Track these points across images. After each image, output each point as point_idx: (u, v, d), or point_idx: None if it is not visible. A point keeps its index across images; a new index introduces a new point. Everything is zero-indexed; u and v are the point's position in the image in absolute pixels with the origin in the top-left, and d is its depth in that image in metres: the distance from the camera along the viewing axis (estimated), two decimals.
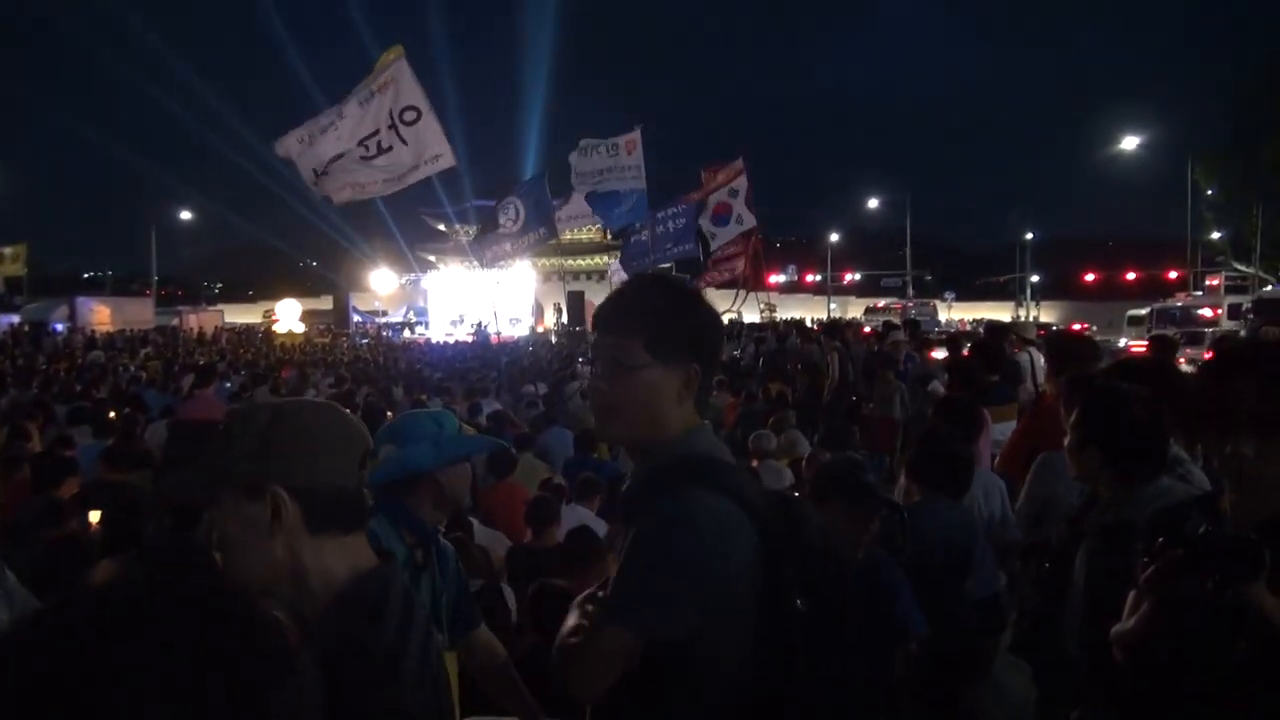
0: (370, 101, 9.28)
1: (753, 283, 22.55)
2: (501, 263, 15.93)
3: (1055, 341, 4.12)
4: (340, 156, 9.13)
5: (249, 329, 40.81)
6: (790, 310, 52.56)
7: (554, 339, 32.90)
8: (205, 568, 4.33)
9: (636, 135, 15.71)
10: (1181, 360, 12.24)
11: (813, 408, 9.18)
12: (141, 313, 41.73)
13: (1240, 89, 32.51)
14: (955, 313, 54.51)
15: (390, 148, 9.38)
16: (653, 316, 1.53)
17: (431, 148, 9.51)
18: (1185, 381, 2.17)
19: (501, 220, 13.67)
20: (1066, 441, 2.32)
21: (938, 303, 53.76)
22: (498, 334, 28.38)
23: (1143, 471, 2.17)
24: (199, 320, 40.55)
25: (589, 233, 60.00)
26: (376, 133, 9.28)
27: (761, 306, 36.27)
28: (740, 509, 1.42)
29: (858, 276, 61.47)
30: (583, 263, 56.61)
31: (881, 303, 51.55)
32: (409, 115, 9.40)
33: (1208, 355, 7.76)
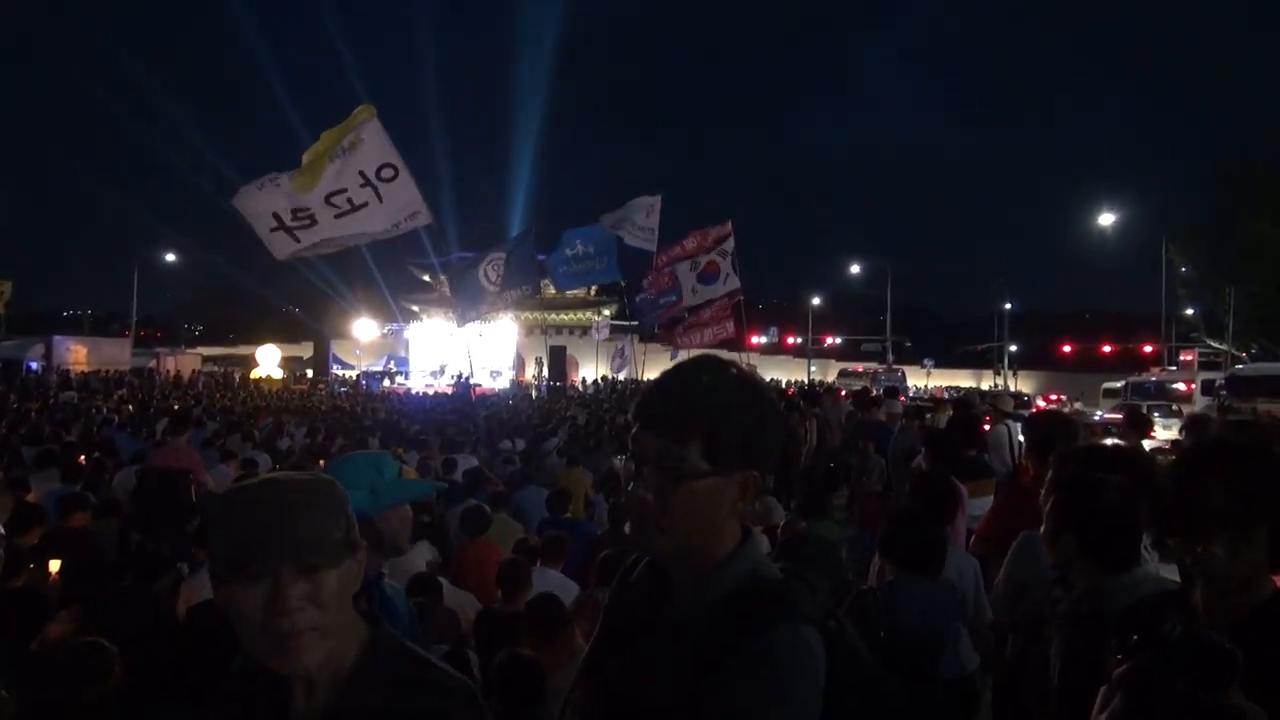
0: (337, 160, 9.30)
1: (735, 342, 22.77)
2: (479, 320, 16.06)
3: (1036, 423, 4.13)
4: (308, 213, 9.10)
5: (227, 371, 40.52)
6: (771, 372, 52.85)
7: (534, 393, 32.81)
8: (167, 623, 4.21)
9: (658, 201, 16.32)
10: (1153, 433, 12.34)
11: (788, 475, 9.08)
12: (119, 353, 41.39)
13: (1215, 169, 33.36)
14: (934, 379, 54.89)
15: (365, 204, 9.39)
16: (712, 415, 1.30)
17: (409, 205, 9.57)
18: (1158, 473, 2.18)
19: (486, 275, 13.72)
20: (1043, 528, 2.32)
21: (907, 369, 54.18)
22: (477, 386, 28.30)
23: (1118, 561, 2.17)
24: (176, 363, 40.24)
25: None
26: (344, 191, 9.29)
27: (743, 366, 36.47)
28: (820, 637, 1.27)
29: (838, 340, 62.04)
30: (566, 317, 56.76)
31: (860, 367, 51.93)
32: (386, 173, 9.45)
33: (1177, 436, 7.81)
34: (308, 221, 9.16)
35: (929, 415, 10.46)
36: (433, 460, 9.35)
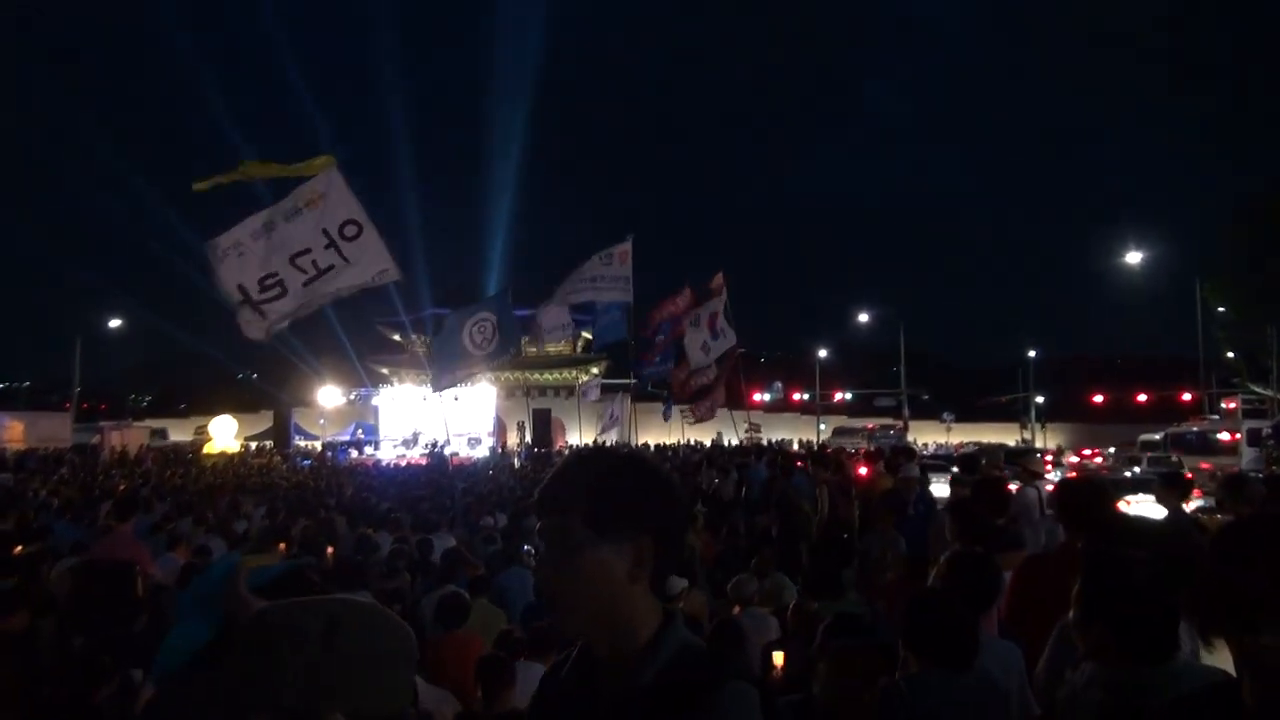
0: (298, 217, 9.33)
1: (734, 401, 22.92)
2: (455, 384, 16.17)
3: (1066, 491, 4.11)
4: (277, 279, 9.12)
5: (177, 449, 40.26)
6: (776, 431, 52.72)
7: (517, 462, 32.69)
8: None
9: (628, 246, 16.40)
10: (1199, 493, 12.36)
11: (794, 550, 8.97)
12: (59, 429, 41.20)
13: (1252, 203, 33.59)
14: (955, 435, 54.83)
15: (331, 267, 9.42)
16: (589, 486, 1.52)
17: (376, 263, 9.62)
18: (1198, 548, 2.18)
19: (471, 338, 13.81)
20: (1071, 615, 2.30)
21: (925, 424, 54.16)
22: (454, 456, 28.20)
23: (1154, 651, 2.15)
24: (122, 438, 40.01)
25: (555, 345, 60.59)
26: (309, 251, 9.32)
27: (745, 427, 36.44)
28: (759, 696, 1.43)
29: (849, 395, 61.97)
30: (550, 377, 56.73)
31: (872, 424, 51.81)
32: (349, 230, 9.48)
33: (1218, 517, 7.76)
34: (276, 291, 9.15)
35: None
36: (407, 541, 9.27)
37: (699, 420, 21.35)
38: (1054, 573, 3.68)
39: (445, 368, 13.76)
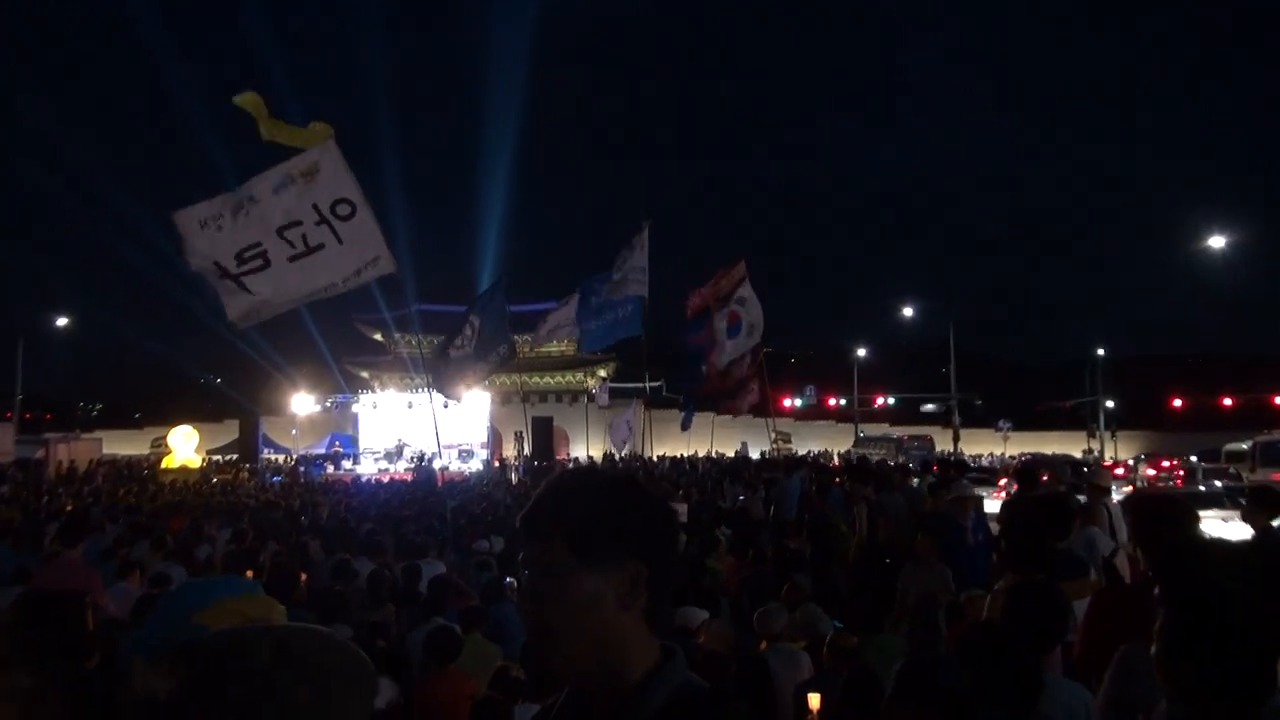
0: (288, 188, 9.31)
1: (761, 406, 22.97)
2: (463, 391, 16.31)
3: (1140, 510, 4.06)
4: (259, 250, 9.11)
5: (131, 463, 40.44)
6: (808, 441, 52.79)
7: (514, 477, 32.72)
8: None
9: (645, 233, 16.49)
10: None
11: (829, 576, 8.90)
12: None
13: None
14: (1013, 445, 54.68)
15: (321, 246, 9.41)
16: (573, 509, 1.58)
17: (369, 249, 9.61)
18: None
19: (456, 343, 13.91)
20: (1153, 650, 2.29)
21: (979, 433, 53.96)
22: (444, 470, 28.27)
23: (1252, 692, 2.13)
24: (70, 451, 40.21)
25: (558, 344, 60.63)
26: (299, 224, 9.31)
27: (773, 438, 36.41)
28: None
29: (891, 400, 61.77)
30: (551, 380, 56.91)
31: (903, 435, 51.49)
32: (343, 209, 9.48)
33: None
34: (258, 263, 9.14)
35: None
36: (390, 568, 9.29)
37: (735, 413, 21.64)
38: (1132, 605, 3.66)
39: (448, 372, 13.97)
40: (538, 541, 1.58)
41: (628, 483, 1.66)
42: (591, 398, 38.87)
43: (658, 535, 1.63)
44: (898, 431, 54.85)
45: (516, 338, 16.95)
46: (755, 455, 38.89)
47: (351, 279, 9.73)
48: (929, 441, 48.16)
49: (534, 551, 1.59)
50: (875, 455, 37.33)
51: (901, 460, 29.56)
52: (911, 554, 7.54)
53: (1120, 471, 34.82)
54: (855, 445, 48.79)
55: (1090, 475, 8.98)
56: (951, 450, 45.84)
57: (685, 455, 40.28)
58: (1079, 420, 58.37)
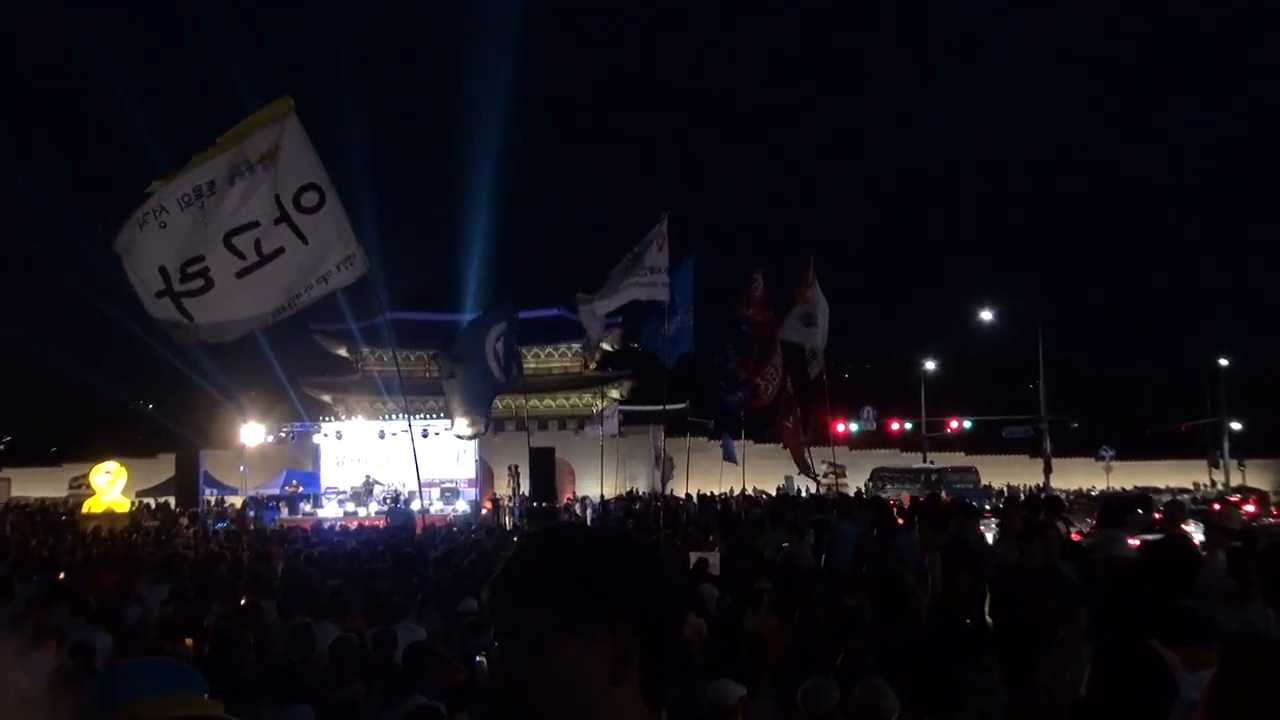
0: (243, 177, 9.25)
1: (808, 431, 23.28)
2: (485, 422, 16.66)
3: (1273, 561, 4.00)
4: (201, 266, 9.10)
5: (47, 508, 40.60)
6: (866, 475, 52.45)
7: (509, 521, 32.74)
8: None
9: (664, 227, 16.70)
10: None
11: (895, 641, 8.82)
12: None
13: None
14: (1117, 477, 54.40)
15: (279, 251, 9.37)
16: (550, 568, 1.63)
17: (339, 247, 9.60)
18: None
19: (498, 358, 14.27)
20: None
21: (1077, 462, 53.64)
22: (424, 514, 28.26)
23: None
24: None
25: (561, 359, 60.58)
26: (253, 226, 9.27)
27: (825, 470, 36.26)
28: None
29: (967, 424, 61.51)
30: (553, 403, 56.99)
31: (912, 462, 51.16)
32: (308, 198, 9.45)
33: None
34: (199, 283, 9.13)
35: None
36: (360, 634, 9.28)
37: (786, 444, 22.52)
38: (1264, 671, 3.61)
39: (479, 401, 14.27)
40: (511, 608, 1.62)
41: (614, 536, 1.74)
42: (586, 423, 38.84)
43: (652, 595, 1.65)
44: (954, 460, 54.49)
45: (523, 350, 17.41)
46: (802, 491, 38.77)
47: (318, 286, 9.69)
48: (974, 474, 48.04)
49: (507, 619, 1.62)
50: (891, 493, 37.17)
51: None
52: (1042, 627, 7.08)
53: (1251, 509, 34.54)
54: (873, 478, 48.21)
55: (1215, 516, 8.86)
56: (1042, 484, 45.64)
57: (716, 493, 40.19)
58: (1198, 446, 58.05)
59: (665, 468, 30.61)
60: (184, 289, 9.07)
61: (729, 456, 28.96)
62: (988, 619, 8.79)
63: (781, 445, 24.21)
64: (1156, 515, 10.92)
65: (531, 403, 52.30)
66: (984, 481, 48.04)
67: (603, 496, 40.59)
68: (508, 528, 29.11)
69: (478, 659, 8.03)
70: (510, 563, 1.69)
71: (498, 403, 52.01)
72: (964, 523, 12.17)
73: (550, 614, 1.57)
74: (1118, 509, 10.28)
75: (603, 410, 40.65)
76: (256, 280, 9.29)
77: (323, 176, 9.52)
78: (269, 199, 9.25)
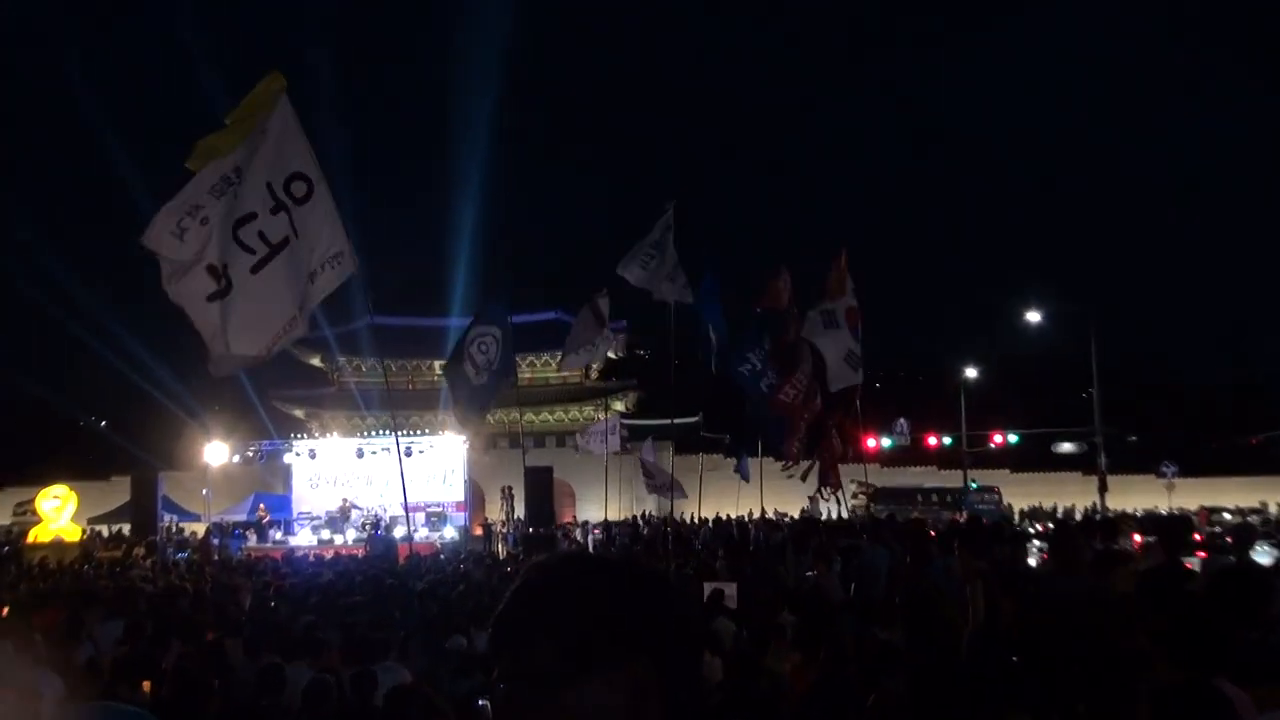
0: (251, 160, 9.25)
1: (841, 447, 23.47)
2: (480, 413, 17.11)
3: None
4: (220, 269, 9.09)
5: None
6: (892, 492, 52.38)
7: (502, 548, 32.76)
8: None
9: (669, 218, 17.09)
10: None
11: (933, 678, 8.81)
12: None
13: None
14: (1180, 496, 54.29)
15: (285, 242, 9.37)
16: (560, 601, 1.64)
17: (330, 243, 9.60)
18: None
19: (473, 360, 14.58)
20: None
21: (1135, 480, 53.52)
22: (408, 541, 28.26)
23: None
24: None
25: (555, 368, 60.39)
26: (253, 218, 9.26)
27: (853, 490, 36.24)
28: None
29: (1013, 437, 61.33)
30: (551, 417, 56.99)
31: (922, 479, 51.05)
32: (298, 187, 9.46)
33: None
34: (221, 284, 9.14)
35: None
36: (336, 676, 9.29)
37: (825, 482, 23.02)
38: None
39: (473, 403, 14.72)
40: (517, 647, 1.62)
41: (628, 564, 1.74)
42: (581, 437, 38.75)
43: (671, 628, 1.66)
44: (996, 479, 54.37)
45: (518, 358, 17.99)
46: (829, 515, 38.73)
47: (309, 286, 9.70)
48: (996, 494, 48.08)
49: (513, 660, 1.62)
50: (884, 510, 37.08)
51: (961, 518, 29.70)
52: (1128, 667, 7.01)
53: None
54: (856, 496, 47.24)
55: None
56: (1097, 505, 45.51)
57: (733, 516, 40.17)
58: (1271, 460, 57.90)
59: (672, 489, 30.65)
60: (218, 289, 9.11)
61: (743, 474, 28.84)
62: (1040, 654, 8.77)
63: (813, 462, 24.21)
64: (1197, 537, 10.90)
65: (527, 417, 52.32)
66: (1037, 502, 47.96)
67: (606, 520, 40.59)
68: (501, 556, 29.13)
69: (480, 703, 8.03)
70: (515, 595, 1.69)
71: (489, 418, 52.26)
72: (1012, 548, 12.19)
73: (561, 651, 1.57)
74: (1181, 530, 10.24)
75: (605, 423, 40.53)
76: (270, 275, 9.30)
77: (312, 165, 9.56)
78: (261, 185, 9.26)
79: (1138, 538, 11.01)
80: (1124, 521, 16.65)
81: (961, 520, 27.85)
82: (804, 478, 25.40)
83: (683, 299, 17.83)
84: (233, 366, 9.41)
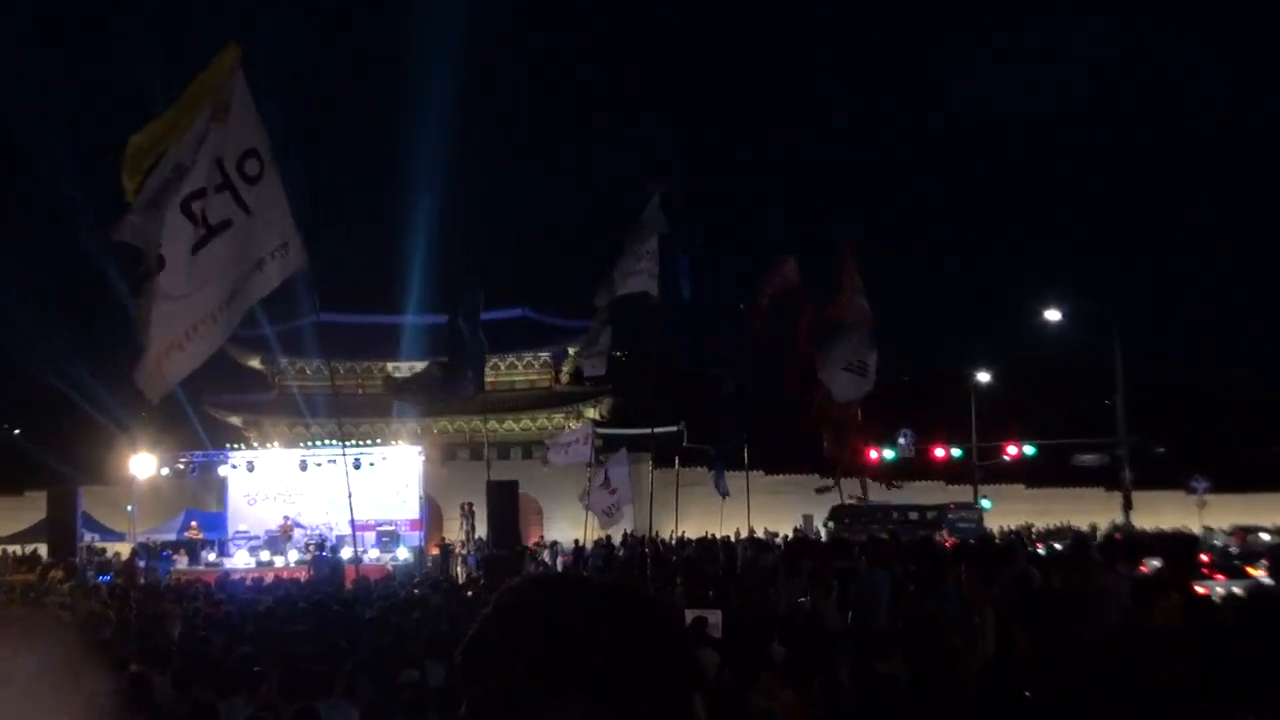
0: (207, 134, 9.31)
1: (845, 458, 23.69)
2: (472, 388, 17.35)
3: None
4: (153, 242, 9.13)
5: None
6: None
7: (461, 571, 32.74)
8: None
9: (655, 203, 17.23)
10: None
11: (934, 713, 8.85)
12: None
13: None
14: (1212, 513, 54.54)
15: (227, 223, 9.41)
16: (534, 629, 1.63)
17: (277, 231, 9.63)
18: None
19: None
20: None
21: (1164, 496, 53.75)
22: (356, 564, 28.24)
23: None
24: None
25: (527, 370, 60.36)
26: (202, 196, 9.30)
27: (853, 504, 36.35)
28: None
29: (1029, 449, 61.38)
30: (516, 426, 56.82)
31: (891, 497, 51.11)
32: (250, 166, 9.50)
33: None
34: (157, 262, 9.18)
35: None
36: (275, 712, 9.28)
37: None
38: None
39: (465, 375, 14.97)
40: (490, 677, 1.61)
41: (611, 587, 1.71)
42: (548, 448, 38.82)
43: (660, 657, 1.65)
44: (1011, 493, 54.46)
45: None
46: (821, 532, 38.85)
47: (255, 276, 9.74)
48: (977, 513, 48.32)
49: (484, 690, 1.61)
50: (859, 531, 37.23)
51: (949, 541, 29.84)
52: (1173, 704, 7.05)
53: None
54: (833, 517, 47.06)
55: None
56: (1121, 522, 45.65)
57: (718, 535, 40.18)
58: None
59: (610, 499, 30.69)
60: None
61: (721, 490, 29.03)
62: (1062, 691, 8.80)
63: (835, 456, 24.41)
64: (1205, 557, 10.93)
65: (490, 424, 52.05)
66: (1064, 521, 48.11)
67: (577, 541, 40.50)
68: (460, 580, 29.12)
69: None
70: (487, 619, 1.68)
71: (447, 426, 52.19)
72: (1027, 570, 12.22)
73: (538, 683, 1.56)
74: (1185, 552, 10.31)
75: (577, 431, 40.45)
76: (206, 259, 9.33)
77: (263, 140, 9.59)
78: (211, 161, 9.30)
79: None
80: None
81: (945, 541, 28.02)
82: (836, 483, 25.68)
83: (649, 289, 17.90)
84: (164, 389, 9.41)
